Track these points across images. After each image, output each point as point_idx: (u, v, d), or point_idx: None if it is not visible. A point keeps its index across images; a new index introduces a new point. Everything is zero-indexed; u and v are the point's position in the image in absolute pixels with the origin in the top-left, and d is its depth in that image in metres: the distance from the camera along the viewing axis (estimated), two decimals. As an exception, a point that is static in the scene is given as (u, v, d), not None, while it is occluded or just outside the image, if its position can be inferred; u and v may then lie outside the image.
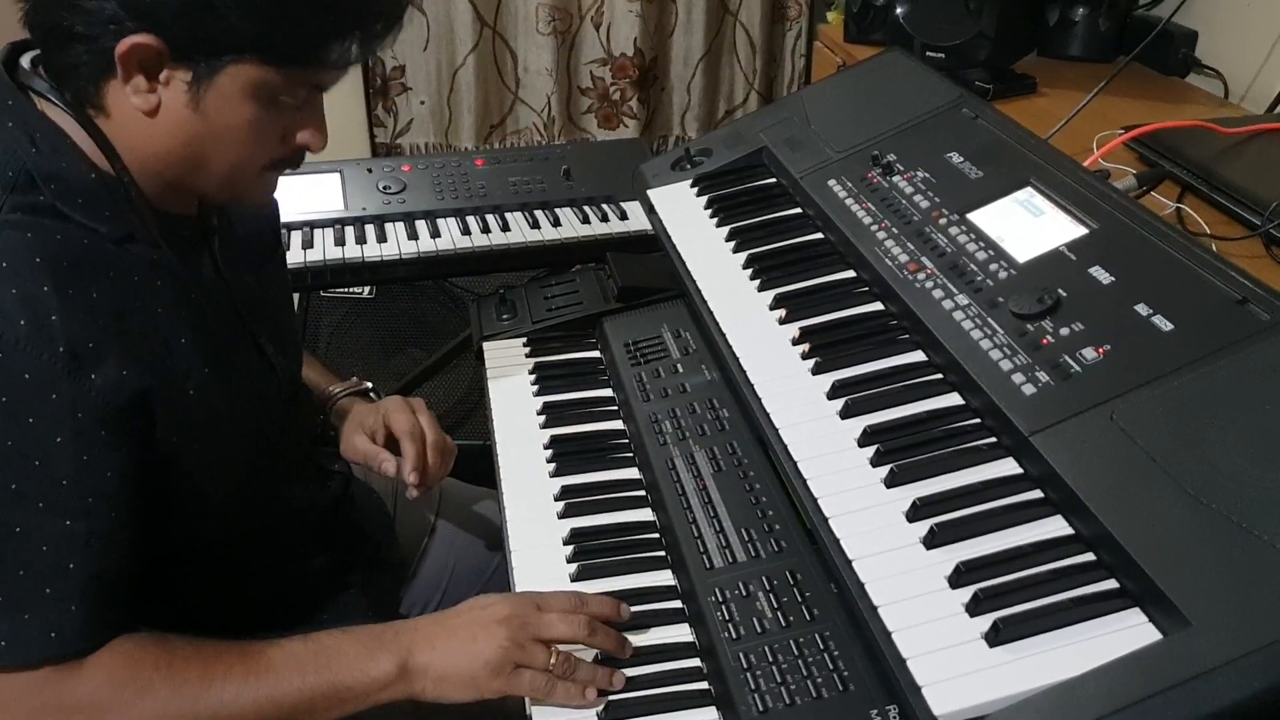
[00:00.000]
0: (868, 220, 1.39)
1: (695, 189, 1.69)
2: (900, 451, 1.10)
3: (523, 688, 1.15)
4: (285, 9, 1.06)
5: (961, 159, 1.41)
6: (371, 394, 1.62)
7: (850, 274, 1.40)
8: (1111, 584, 0.91)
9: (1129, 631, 0.86)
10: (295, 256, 1.99)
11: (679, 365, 1.58)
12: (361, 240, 2.05)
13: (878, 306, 1.33)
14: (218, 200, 1.25)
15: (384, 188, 2.18)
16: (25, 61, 1.14)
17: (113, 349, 1.06)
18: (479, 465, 1.65)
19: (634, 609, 1.24)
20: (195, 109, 1.09)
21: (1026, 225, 1.25)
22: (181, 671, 1.11)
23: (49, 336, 1.01)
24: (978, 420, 1.11)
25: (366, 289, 2.58)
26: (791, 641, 1.12)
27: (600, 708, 1.14)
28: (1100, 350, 1.05)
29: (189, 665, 1.11)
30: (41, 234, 1.05)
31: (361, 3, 1.11)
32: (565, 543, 1.36)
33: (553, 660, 1.15)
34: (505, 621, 1.16)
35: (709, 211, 1.62)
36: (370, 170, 2.23)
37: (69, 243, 1.06)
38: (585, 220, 2.14)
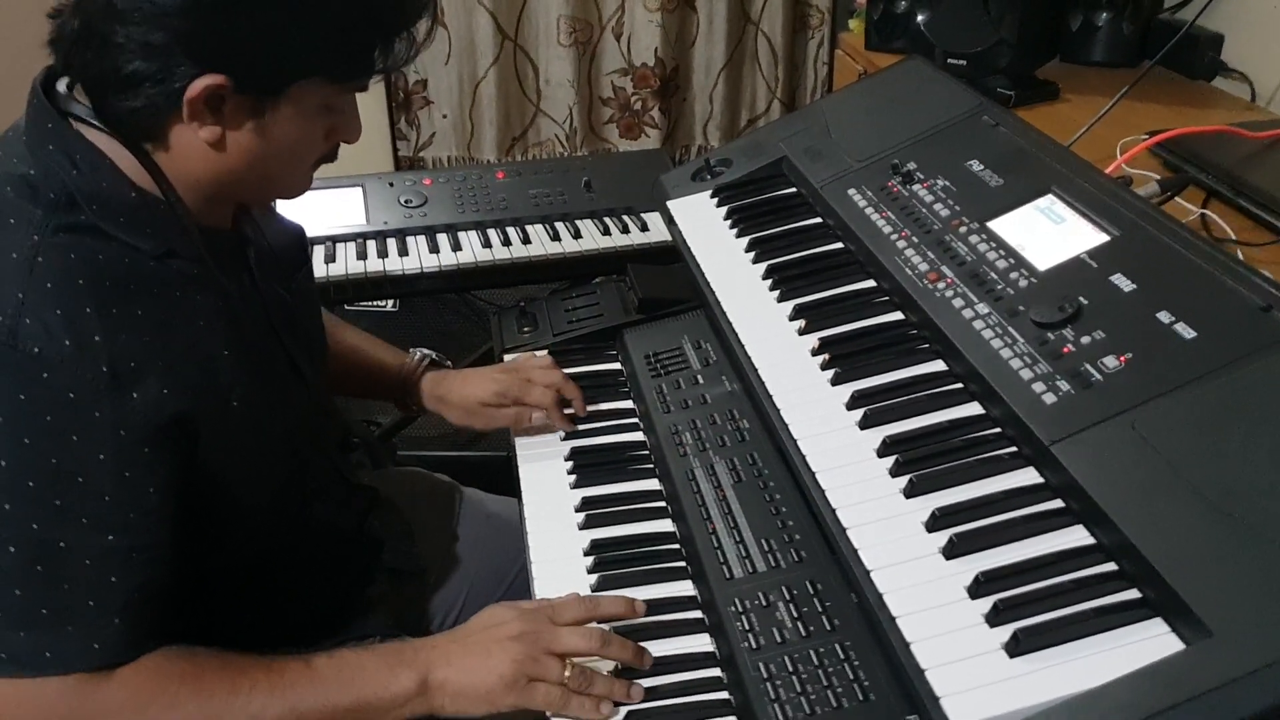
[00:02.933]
0: (888, 229, 1.39)
1: (715, 199, 1.69)
2: (920, 461, 1.09)
3: (537, 702, 1.16)
4: (344, 29, 1.09)
5: (982, 167, 1.40)
6: (437, 359, 1.67)
7: (870, 284, 1.39)
8: (1133, 594, 0.90)
9: (1151, 642, 0.86)
10: (318, 270, 2.00)
11: (699, 376, 1.57)
12: (384, 254, 2.07)
13: (898, 316, 1.32)
14: (259, 204, 1.29)
15: (406, 201, 2.19)
16: (62, 86, 1.14)
17: (155, 368, 1.07)
18: (500, 476, 1.66)
19: (654, 619, 1.25)
20: (260, 134, 1.11)
21: (1048, 233, 1.25)
22: (209, 685, 1.12)
23: (92, 356, 1.03)
24: (998, 430, 1.10)
25: (390, 302, 2.59)
26: (812, 651, 1.12)
27: (622, 718, 1.14)
28: (1122, 359, 1.04)
29: (216, 679, 1.13)
30: (84, 254, 1.06)
31: (405, 5, 1.13)
32: (586, 554, 1.36)
33: (567, 674, 1.16)
34: (519, 638, 1.18)
35: (729, 222, 1.62)
36: (392, 184, 2.24)
37: (111, 262, 1.08)
38: (606, 232, 2.14)
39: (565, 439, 1.58)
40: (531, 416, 1.56)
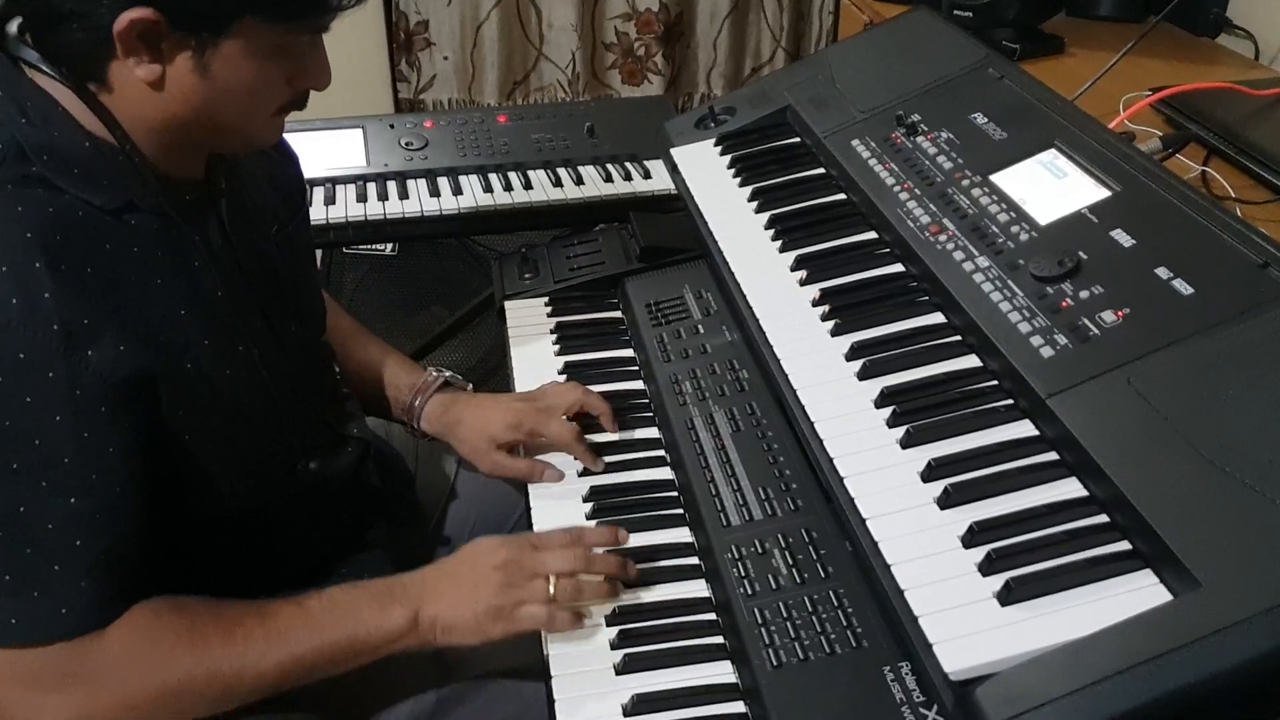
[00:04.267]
0: (890, 181, 1.39)
1: (719, 148, 1.69)
2: (917, 413, 1.10)
3: (524, 625, 1.20)
4: None
5: (986, 120, 1.40)
6: (452, 381, 1.59)
7: (872, 235, 1.40)
8: (1124, 545, 0.91)
9: (1140, 592, 0.87)
10: (318, 213, 2.00)
11: (700, 326, 1.58)
12: (384, 197, 2.06)
13: (898, 268, 1.33)
14: (229, 151, 1.24)
15: (406, 144, 2.18)
16: (13, 28, 1.10)
17: (109, 325, 1.05)
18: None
19: (652, 565, 1.27)
20: (202, 75, 1.07)
21: (1049, 187, 1.25)
22: (204, 638, 1.12)
23: (43, 314, 1.00)
24: (995, 382, 1.12)
25: (389, 246, 2.58)
26: (806, 598, 1.14)
27: (617, 660, 1.16)
28: (1119, 313, 1.05)
29: (210, 631, 1.13)
30: (33, 208, 1.02)
31: None
32: (585, 499, 1.38)
33: (552, 589, 1.19)
34: (502, 566, 1.22)
35: (732, 171, 1.62)
36: (393, 126, 2.23)
37: (62, 216, 1.04)
38: (608, 179, 2.14)
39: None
40: (545, 474, 1.45)
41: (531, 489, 1.43)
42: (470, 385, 1.61)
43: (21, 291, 0.99)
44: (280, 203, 1.38)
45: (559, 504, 1.40)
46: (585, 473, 1.43)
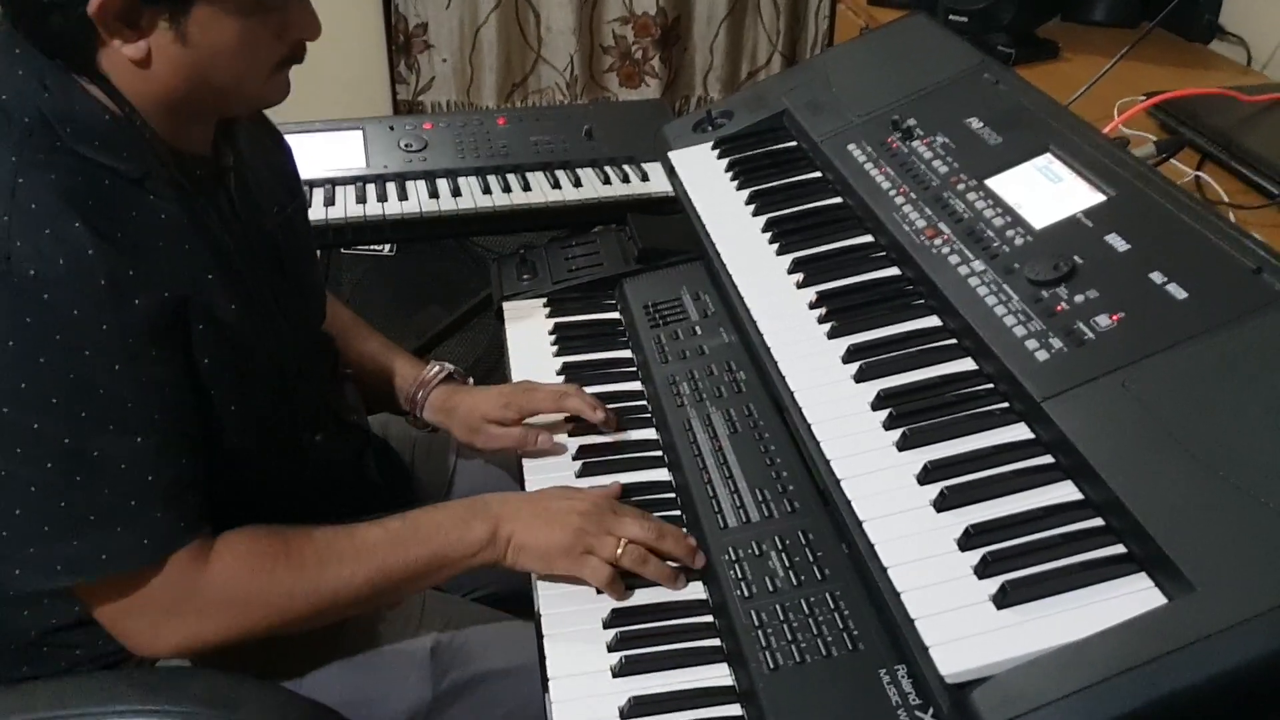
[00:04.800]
0: (886, 185, 1.40)
1: (716, 151, 1.70)
2: (913, 415, 1.11)
3: (586, 572, 1.25)
4: None
5: (981, 124, 1.41)
6: (455, 374, 1.63)
7: (868, 239, 1.40)
8: (1119, 549, 0.92)
9: (1135, 596, 0.87)
10: (317, 214, 2.01)
11: (698, 327, 1.59)
12: (383, 198, 2.07)
13: (894, 271, 1.34)
14: (238, 114, 1.27)
15: (406, 146, 2.19)
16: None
17: (149, 275, 1.09)
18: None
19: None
20: (184, 44, 1.09)
21: (1045, 192, 1.26)
22: (298, 558, 1.21)
23: (89, 270, 1.04)
24: (991, 386, 1.12)
25: (388, 247, 2.59)
26: (803, 600, 1.14)
27: (614, 662, 1.16)
28: (1114, 317, 1.06)
29: (305, 552, 1.21)
30: (64, 174, 1.07)
31: None
32: (583, 500, 1.38)
33: (620, 550, 1.23)
34: (585, 514, 1.27)
35: (730, 174, 1.63)
36: (392, 128, 2.24)
37: (91, 181, 1.08)
38: (606, 181, 2.15)
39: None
40: (538, 439, 1.49)
41: (528, 487, 1.43)
42: (471, 379, 1.64)
43: (66, 251, 1.04)
44: (280, 187, 1.41)
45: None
46: (586, 473, 1.43)
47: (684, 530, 1.30)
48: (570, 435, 1.50)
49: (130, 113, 1.12)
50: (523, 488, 1.45)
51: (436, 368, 1.61)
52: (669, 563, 1.26)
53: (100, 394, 1.06)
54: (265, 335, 1.25)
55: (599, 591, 1.25)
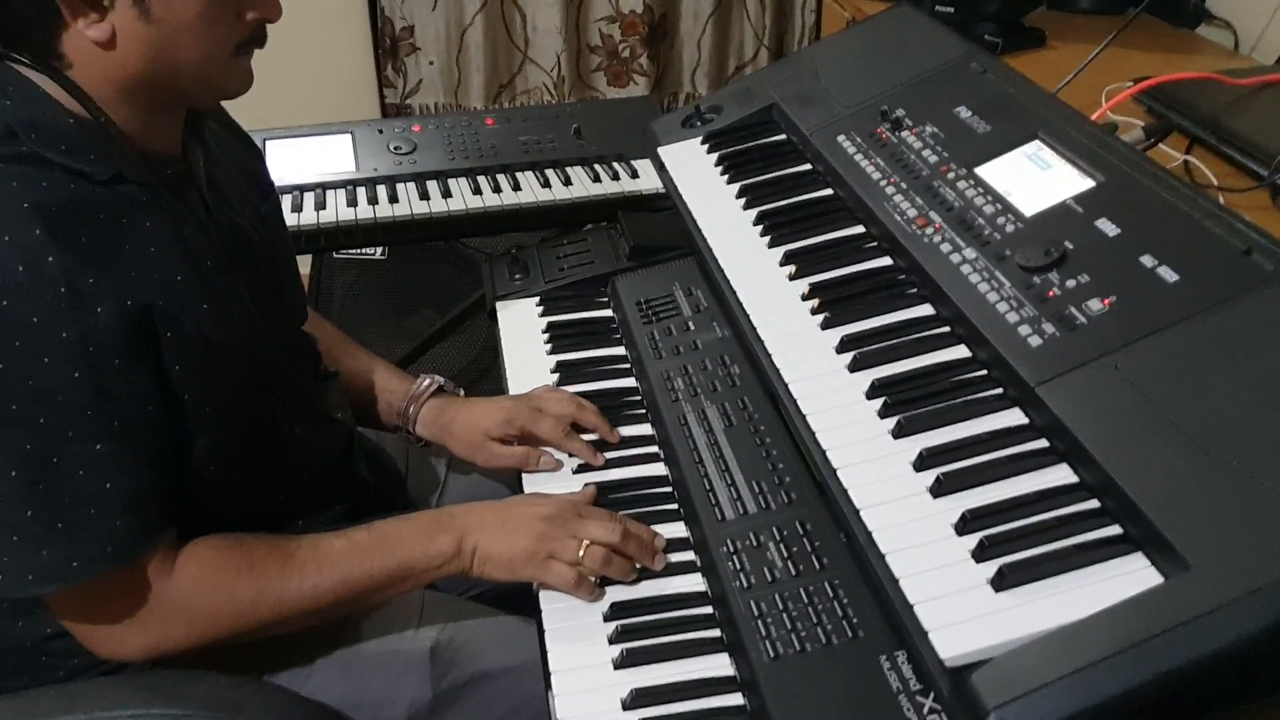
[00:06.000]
0: (876, 175, 1.40)
1: (706, 146, 1.70)
2: (908, 403, 1.11)
3: (550, 578, 1.26)
4: None
5: (970, 113, 1.41)
6: (446, 387, 1.62)
7: (859, 229, 1.41)
8: (1115, 530, 0.92)
9: (1131, 576, 0.88)
10: (308, 218, 2.01)
11: (690, 323, 1.59)
12: (374, 201, 2.07)
13: (886, 261, 1.34)
14: (203, 103, 1.27)
15: (395, 148, 2.19)
16: None
17: (112, 283, 1.08)
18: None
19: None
20: (147, 20, 1.09)
21: (1034, 179, 1.26)
22: (262, 569, 1.21)
23: (49, 278, 1.04)
24: (984, 372, 1.13)
25: (378, 250, 2.59)
26: (802, 590, 1.15)
27: (616, 655, 1.16)
28: (1106, 301, 1.06)
29: (268, 564, 1.22)
30: (26, 181, 1.06)
31: None
32: (580, 497, 1.39)
33: (582, 553, 1.24)
34: (548, 519, 1.28)
35: (720, 169, 1.63)
36: (381, 131, 2.24)
37: (55, 187, 1.08)
38: (596, 179, 2.15)
39: (558, 386, 1.59)
40: (540, 460, 1.48)
41: (528, 492, 1.43)
42: (462, 390, 1.63)
43: (26, 259, 1.03)
44: (251, 188, 1.40)
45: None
46: (582, 470, 1.44)
47: (652, 530, 1.31)
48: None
49: (96, 111, 1.12)
50: (521, 491, 1.45)
51: (427, 381, 1.60)
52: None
53: (59, 401, 1.06)
54: (239, 334, 1.25)
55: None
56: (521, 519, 1.29)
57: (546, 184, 2.13)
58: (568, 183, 2.13)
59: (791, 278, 1.36)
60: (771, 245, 1.43)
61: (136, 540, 1.14)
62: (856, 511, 1.02)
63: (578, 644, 1.20)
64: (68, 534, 1.09)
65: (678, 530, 1.33)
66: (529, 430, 1.48)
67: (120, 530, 1.11)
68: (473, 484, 1.67)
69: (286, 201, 2.02)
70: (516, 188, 2.11)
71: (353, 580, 1.24)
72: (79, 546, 1.09)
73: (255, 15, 1.18)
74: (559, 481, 1.45)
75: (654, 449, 1.46)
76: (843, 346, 1.22)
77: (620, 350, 1.65)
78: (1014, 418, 1.06)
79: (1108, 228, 1.14)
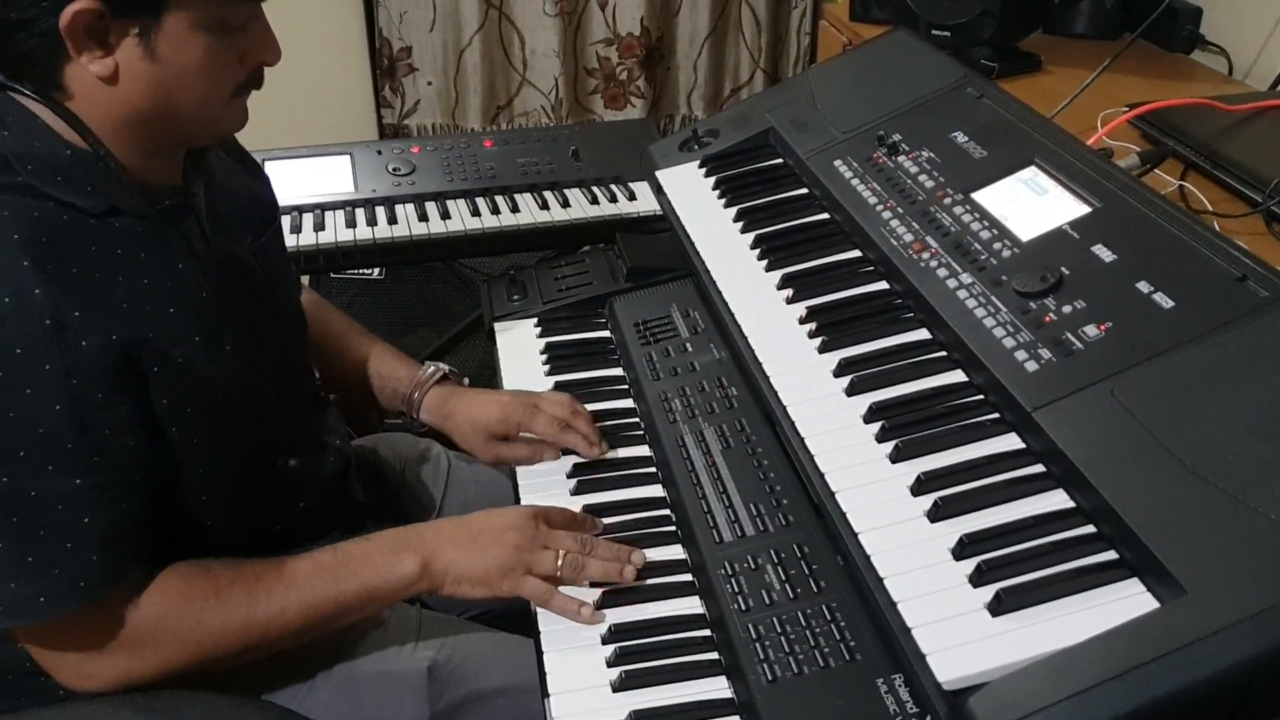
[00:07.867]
0: (873, 200, 1.41)
1: (703, 170, 1.71)
2: (905, 427, 1.12)
3: (527, 591, 1.26)
4: None
5: (966, 138, 1.42)
6: (450, 375, 1.64)
7: (856, 254, 1.42)
8: (1111, 555, 0.93)
9: (1127, 601, 0.89)
10: (307, 238, 2.02)
11: (688, 344, 1.60)
12: (372, 222, 2.08)
13: (883, 285, 1.35)
14: (197, 142, 1.27)
15: (394, 169, 2.20)
16: None
17: (99, 317, 1.09)
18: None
19: (646, 582, 1.28)
20: (152, 59, 1.10)
21: (1030, 204, 1.27)
22: (228, 597, 1.20)
23: (34, 310, 1.04)
24: (981, 397, 1.13)
25: (376, 270, 2.59)
26: (799, 613, 1.15)
27: (614, 677, 1.17)
28: (1102, 327, 1.07)
29: (234, 590, 1.21)
30: (18, 213, 1.07)
31: None
32: (578, 519, 1.39)
33: (560, 563, 1.25)
34: (519, 529, 1.28)
35: (717, 192, 1.64)
36: (380, 153, 2.25)
37: (46, 219, 1.09)
38: (594, 201, 2.16)
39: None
40: (544, 455, 1.50)
41: (520, 484, 1.46)
42: (466, 380, 1.66)
43: (11, 290, 1.04)
44: (254, 213, 1.41)
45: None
46: (580, 490, 1.44)
47: (625, 545, 1.31)
48: (565, 453, 1.50)
49: (95, 143, 1.13)
50: (516, 485, 1.47)
51: (432, 368, 1.63)
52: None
53: (39, 434, 1.06)
54: (233, 366, 1.24)
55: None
56: (493, 530, 1.28)
57: (545, 205, 2.14)
58: (566, 204, 2.14)
59: (789, 301, 1.37)
60: (769, 268, 1.44)
61: (108, 575, 1.13)
62: (855, 534, 1.03)
63: (576, 665, 1.20)
64: (39, 568, 1.08)
65: (675, 552, 1.32)
66: (525, 426, 1.50)
67: (94, 565, 1.11)
68: (471, 496, 1.67)
69: (285, 222, 2.02)
70: (515, 209, 2.12)
71: (319, 603, 1.23)
72: (49, 582, 1.09)
73: (256, 59, 1.19)
74: (556, 488, 1.45)
75: (651, 470, 1.46)
76: (840, 370, 1.22)
77: (618, 371, 1.66)
78: (1011, 442, 1.07)
79: (1104, 253, 1.15)
